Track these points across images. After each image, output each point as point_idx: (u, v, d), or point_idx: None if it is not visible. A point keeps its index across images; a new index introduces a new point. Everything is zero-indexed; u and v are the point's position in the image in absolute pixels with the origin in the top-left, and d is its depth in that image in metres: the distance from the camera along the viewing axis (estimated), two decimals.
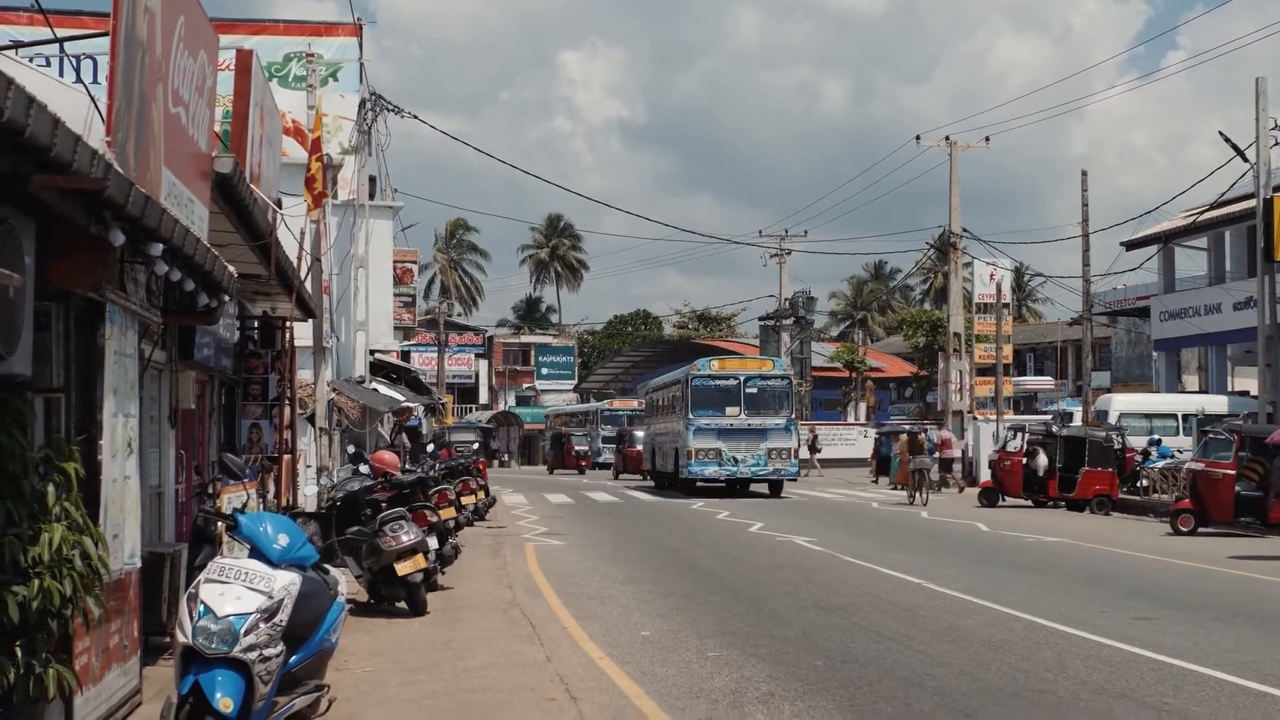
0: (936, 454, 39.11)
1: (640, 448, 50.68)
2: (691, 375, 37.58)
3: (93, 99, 8.75)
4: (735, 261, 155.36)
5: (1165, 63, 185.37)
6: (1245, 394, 41.34)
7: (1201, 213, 41.16)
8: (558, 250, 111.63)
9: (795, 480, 39.41)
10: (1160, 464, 34.04)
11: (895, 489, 42.02)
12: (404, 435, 41.93)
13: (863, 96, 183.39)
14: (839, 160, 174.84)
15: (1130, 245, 46.63)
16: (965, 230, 48.10)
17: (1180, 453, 34.66)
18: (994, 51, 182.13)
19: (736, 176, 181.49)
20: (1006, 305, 49.28)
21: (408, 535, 14.22)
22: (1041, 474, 33.38)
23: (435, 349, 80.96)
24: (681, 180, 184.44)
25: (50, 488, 6.80)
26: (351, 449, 19.62)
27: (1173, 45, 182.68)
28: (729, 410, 37.03)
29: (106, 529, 7.60)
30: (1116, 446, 33.69)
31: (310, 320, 22.24)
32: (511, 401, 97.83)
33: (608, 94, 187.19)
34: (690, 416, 36.88)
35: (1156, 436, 36.93)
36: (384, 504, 15.03)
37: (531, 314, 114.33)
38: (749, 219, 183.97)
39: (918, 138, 48.42)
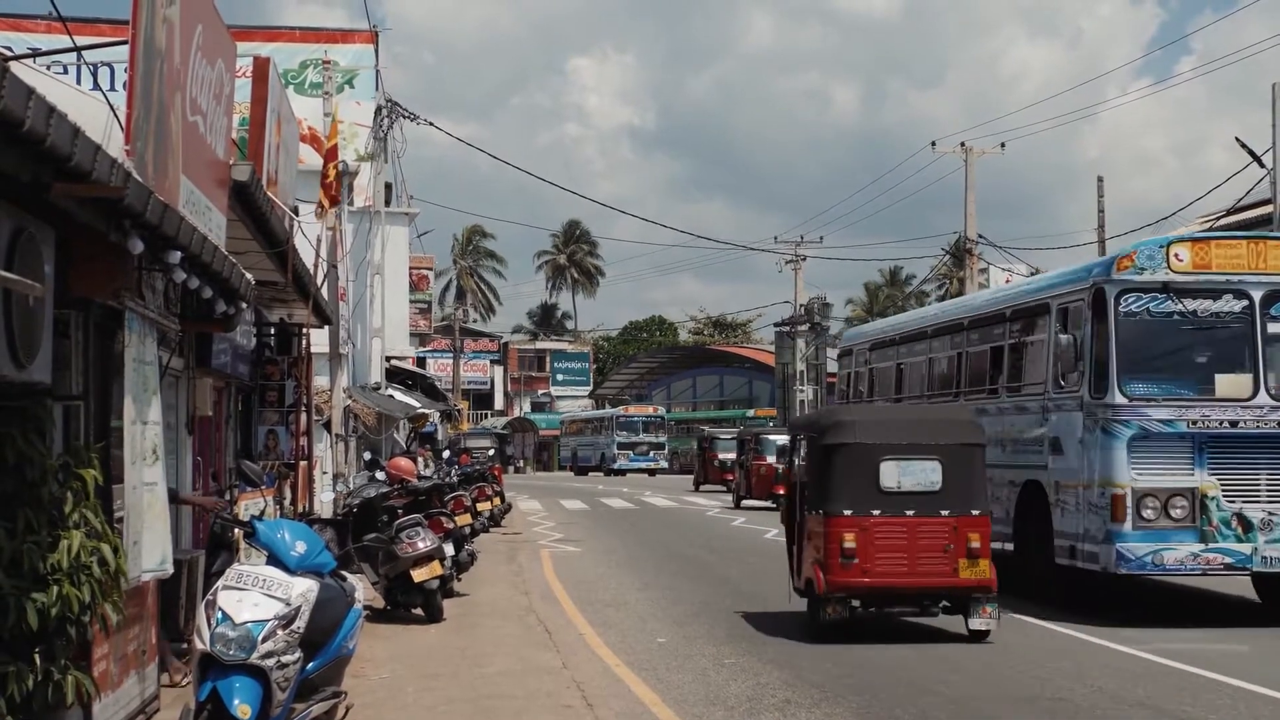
0: None
1: (777, 461, 34.22)
2: (1116, 281, 14.67)
3: (112, 107, 8.77)
4: (749, 267, 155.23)
5: (1178, 67, 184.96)
6: None
7: (1218, 219, 41.04)
8: (574, 256, 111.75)
9: None
10: None
11: None
12: (417, 441, 41.99)
13: (875, 101, 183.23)
14: (851, 164, 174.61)
15: None
16: (981, 236, 47.96)
17: None
18: (1006, 56, 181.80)
19: (748, 181, 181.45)
20: None
21: (424, 542, 14.25)
22: None
23: (451, 355, 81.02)
24: (693, 185, 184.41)
25: (69, 495, 6.83)
26: (368, 455, 19.66)
27: (1186, 50, 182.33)
28: (1225, 384, 14.85)
29: (126, 536, 7.62)
30: None
31: (326, 327, 22.29)
32: (527, 408, 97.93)
33: (619, 99, 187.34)
34: (1116, 399, 14.50)
35: None
36: (400, 510, 15.06)
37: (547, 320, 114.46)
38: (761, 223, 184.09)
39: (933, 143, 48.14)
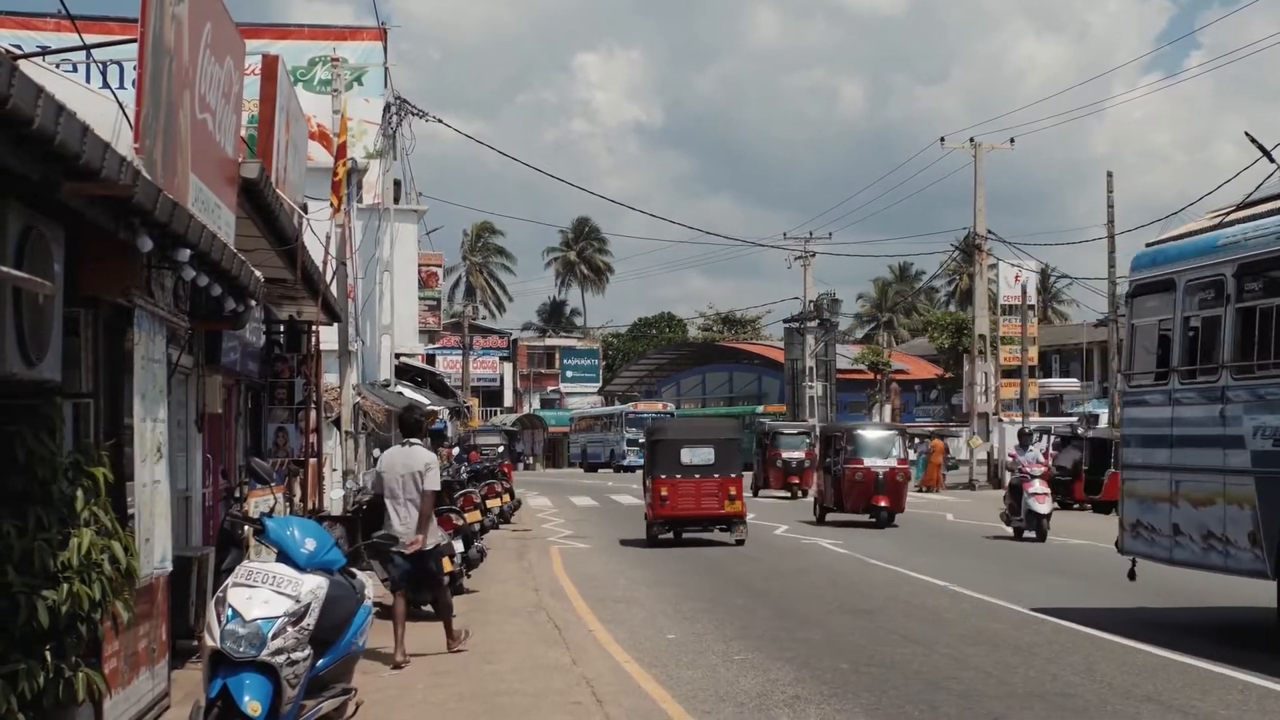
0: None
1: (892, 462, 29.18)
2: None
3: (121, 105, 8.78)
4: (757, 263, 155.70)
5: (1186, 62, 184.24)
6: None
7: (1228, 213, 40.91)
8: (584, 253, 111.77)
9: None
10: None
11: (919, 491, 41.99)
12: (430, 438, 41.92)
13: (880, 97, 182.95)
14: (857, 160, 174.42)
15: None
16: (990, 232, 47.95)
17: None
18: (1012, 51, 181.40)
19: (754, 178, 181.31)
20: (1032, 307, 49.17)
21: (433, 539, 14.23)
22: (1070, 467, 33.30)
23: (460, 352, 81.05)
24: (700, 182, 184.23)
25: (79, 492, 6.84)
26: (377, 452, 19.66)
27: (1194, 45, 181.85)
28: None
29: (139, 533, 7.63)
30: None
31: (336, 324, 22.29)
32: (536, 404, 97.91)
33: (625, 96, 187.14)
34: None
35: None
36: None
37: (557, 317, 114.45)
38: (768, 220, 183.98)
39: (942, 139, 48.21)
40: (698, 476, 22.79)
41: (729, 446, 23.56)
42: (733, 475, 22.91)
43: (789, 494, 39.02)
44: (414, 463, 12.43)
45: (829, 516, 29.41)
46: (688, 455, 23.03)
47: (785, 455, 40.36)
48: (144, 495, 7.97)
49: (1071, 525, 27.95)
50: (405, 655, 11.75)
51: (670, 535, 23.34)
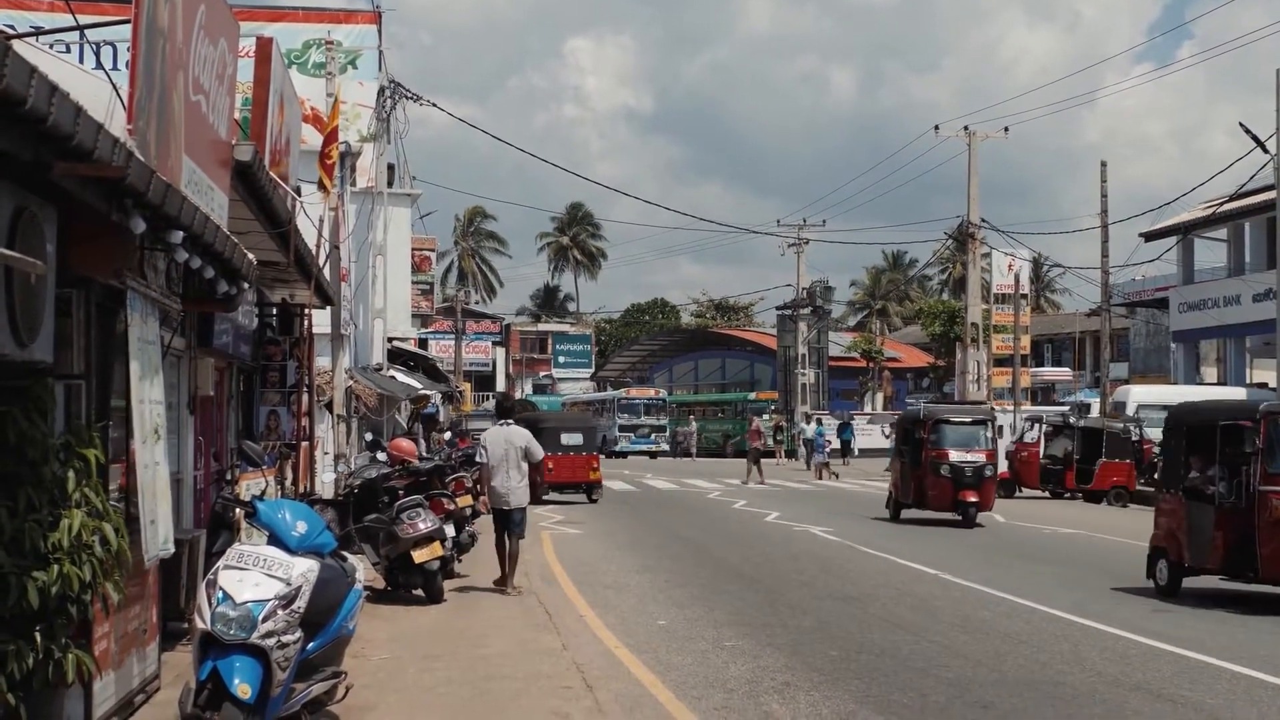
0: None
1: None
2: None
3: (114, 86, 8.74)
4: (749, 250, 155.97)
5: (1178, 52, 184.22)
6: (1264, 386, 41.19)
7: (1221, 204, 41.00)
8: (577, 238, 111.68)
9: None
10: None
11: None
12: (420, 422, 41.97)
13: (871, 85, 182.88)
14: (848, 148, 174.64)
15: (1149, 236, 46.49)
16: (983, 220, 47.92)
17: None
18: (1005, 40, 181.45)
19: (747, 165, 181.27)
20: (1024, 296, 49.18)
21: (425, 523, 14.26)
22: (1061, 456, 33.31)
23: (453, 337, 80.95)
24: (690, 168, 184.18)
25: (70, 474, 6.82)
26: (369, 436, 19.65)
27: (1187, 34, 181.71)
28: None
29: (143, 516, 7.62)
30: (1134, 438, 33.62)
31: (328, 308, 22.26)
32: (529, 390, 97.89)
33: (616, 81, 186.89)
34: None
35: None
36: (401, 491, 15.07)
37: (550, 302, 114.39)
38: (758, 207, 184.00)
39: (936, 128, 48.18)
40: (572, 454, 31.18)
41: (592, 432, 33.40)
42: (595, 453, 32.22)
43: (960, 517, 25.52)
44: (515, 439, 15.26)
45: (1183, 584, 15.69)
46: (565, 438, 31.02)
47: (955, 457, 26.06)
48: (145, 477, 7.94)
49: (1055, 514, 27.99)
50: (515, 587, 15.09)
51: (553, 495, 31.14)
